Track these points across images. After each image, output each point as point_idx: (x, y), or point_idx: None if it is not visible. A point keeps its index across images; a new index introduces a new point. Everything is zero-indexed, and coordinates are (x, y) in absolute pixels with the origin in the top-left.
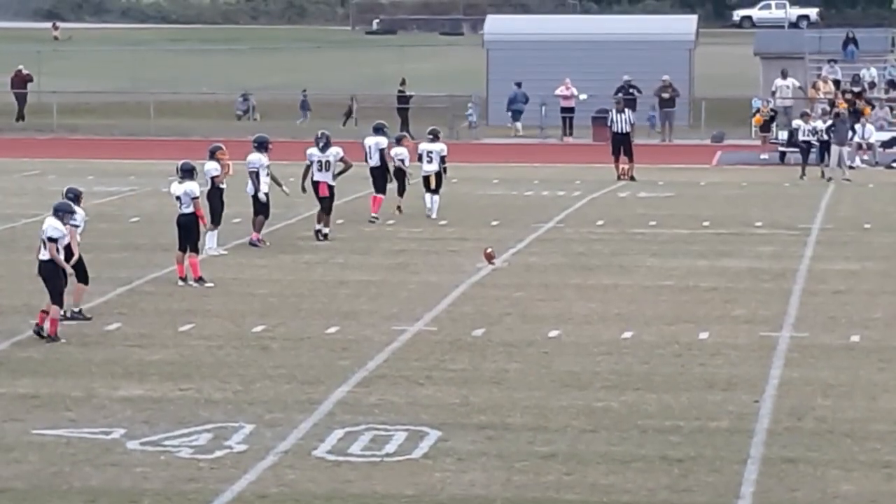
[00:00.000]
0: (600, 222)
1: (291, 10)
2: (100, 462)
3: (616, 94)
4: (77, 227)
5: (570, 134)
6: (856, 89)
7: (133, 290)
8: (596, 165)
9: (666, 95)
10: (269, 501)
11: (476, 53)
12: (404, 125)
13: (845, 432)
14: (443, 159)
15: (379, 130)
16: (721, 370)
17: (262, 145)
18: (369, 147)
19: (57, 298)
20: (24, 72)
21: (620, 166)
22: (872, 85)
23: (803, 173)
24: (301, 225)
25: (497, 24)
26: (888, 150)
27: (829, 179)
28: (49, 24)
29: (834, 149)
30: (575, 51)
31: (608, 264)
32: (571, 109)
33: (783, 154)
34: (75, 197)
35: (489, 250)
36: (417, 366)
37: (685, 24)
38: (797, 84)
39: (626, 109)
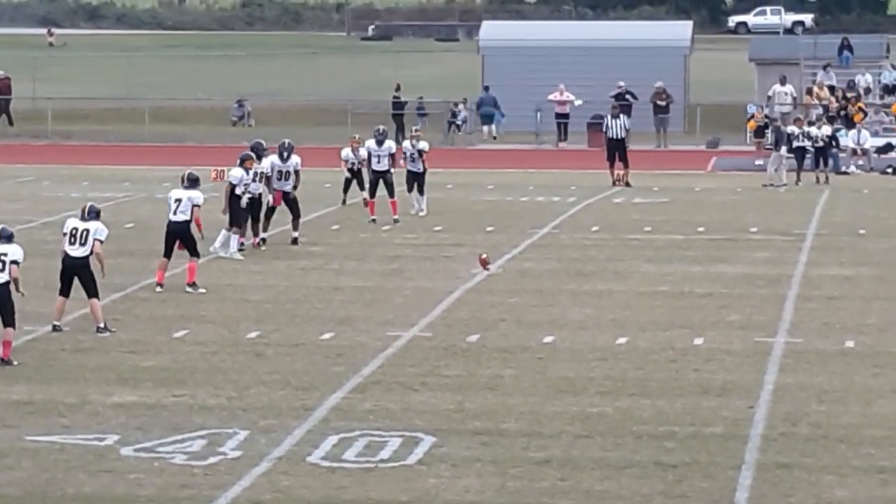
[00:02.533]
0: (595, 228)
1: (287, 16)
2: (93, 469)
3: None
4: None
5: (565, 140)
6: (850, 95)
7: (127, 296)
8: (591, 171)
9: (662, 103)
10: None
11: (471, 59)
12: (399, 131)
13: (840, 438)
14: (420, 154)
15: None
16: (716, 376)
17: (258, 153)
18: None
19: (10, 319)
20: (4, 76)
21: (615, 172)
22: (868, 90)
23: (798, 179)
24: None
25: (492, 30)
26: (883, 156)
27: (827, 181)
28: (44, 31)
29: (773, 155)
30: (570, 57)
31: (603, 270)
32: (566, 115)
33: None
34: (96, 214)
35: (484, 256)
36: (412, 372)
37: (680, 30)
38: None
39: (622, 115)
